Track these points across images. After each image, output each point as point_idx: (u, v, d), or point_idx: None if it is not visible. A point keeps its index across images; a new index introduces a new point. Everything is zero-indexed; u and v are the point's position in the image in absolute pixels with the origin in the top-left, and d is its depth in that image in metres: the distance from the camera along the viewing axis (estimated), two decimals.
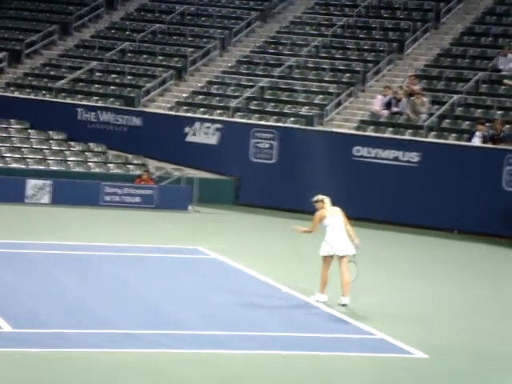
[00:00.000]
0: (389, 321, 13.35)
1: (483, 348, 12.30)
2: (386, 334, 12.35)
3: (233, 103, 26.41)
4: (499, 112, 24.29)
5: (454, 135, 23.84)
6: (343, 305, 13.61)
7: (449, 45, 27.86)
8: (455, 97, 24.82)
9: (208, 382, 10.14)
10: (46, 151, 26.21)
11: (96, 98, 27.72)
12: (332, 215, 13.85)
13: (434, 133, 24.06)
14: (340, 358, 11.38)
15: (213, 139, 25.71)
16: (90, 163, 25.97)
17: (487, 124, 23.33)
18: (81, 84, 28.54)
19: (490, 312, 14.70)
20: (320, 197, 13.95)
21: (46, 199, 23.20)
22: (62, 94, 27.98)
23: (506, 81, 25.37)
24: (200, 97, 27.50)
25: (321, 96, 26.41)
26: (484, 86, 25.54)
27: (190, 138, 25.95)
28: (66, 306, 12.91)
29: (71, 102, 27.56)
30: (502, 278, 18.05)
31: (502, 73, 25.65)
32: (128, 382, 9.49)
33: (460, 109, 24.88)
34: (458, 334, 12.97)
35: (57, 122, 27.02)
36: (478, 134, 23.12)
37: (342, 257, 13.83)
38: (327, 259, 13.87)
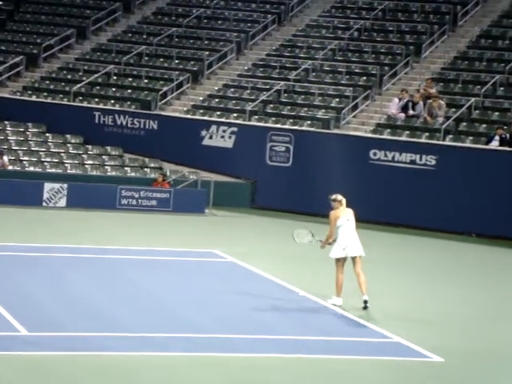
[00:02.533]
0: (405, 324, 13.30)
1: (500, 353, 12.23)
2: (402, 338, 12.32)
3: (249, 106, 26.42)
4: None
5: (470, 138, 23.75)
6: (365, 301, 13.59)
7: (466, 48, 27.78)
8: (472, 100, 24.73)
9: None
10: (63, 155, 26.31)
11: (113, 101, 27.80)
12: (346, 216, 13.85)
13: (450, 136, 23.98)
14: (356, 362, 11.35)
15: (229, 142, 25.73)
16: (106, 166, 26.05)
17: (505, 127, 23.24)
18: (98, 88, 28.63)
19: (508, 316, 14.61)
20: (339, 197, 13.96)
21: (62, 202, 23.28)
22: (79, 98, 28.09)
23: None
24: (216, 100, 27.53)
25: (337, 99, 26.38)
26: (501, 88, 25.43)
27: (206, 142, 25.98)
28: (82, 310, 12.94)
29: (88, 105, 27.65)
30: None
31: None
32: None
33: (477, 112, 24.79)
34: (475, 339, 12.91)
35: (74, 125, 27.11)
36: (496, 137, 23.04)
37: (354, 258, 13.82)
38: (340, 261, 13.86)
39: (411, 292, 15.82)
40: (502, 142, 22.96)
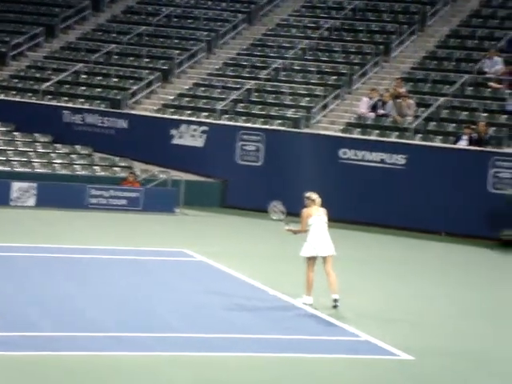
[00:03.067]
0: (374, 323, 13.36)
1: (468, 350, 12.33)
2: (371, 336, 12.37)
3: (219, 106, 26.40)
4: (484, 114, 24.39)
5: (439, 138, 23.91)
6: (335, 300, 13.63)
7: (434, 47, 27.96)
8: (441, 99, 24.90)
9: None
10: (32, 154, 26.11)
11: (82, 100, 27.65)
12: (318, 215, 13.88)
13: (419, 135, 24.13)
14: (326, 360, 11.38)
15: (199, 141, 25.69)
16: (75, 166, 25.90)
17: (473, 127, 23.42)
18: (67, 86, 28.46)
19: (475, 314, 14.74)
20: (313, 196, 13.97)
21: (31, 202, 23.11)
22: (48, 97, 27.90)
23: (491, 83, 25.48)
24: (186, 99, 27.47)
25: (307, 98, 26.44)
26: (469, 88, 25.63)
27: (176, 141, 25.93)
28: (54, 309, 12.86)
29: (57, 104, 27.47)
30: (488, 279, 18.11)
31: (488, 75, 25.75)
32: None
33: (446, 111, 24.96)
34: (443, 336, 13.00)
35: (42, 124, 26.93)
36: (464, 137, 23.21)
37: (325, 257, 13.85)
38: (311, 260, 13.89)
39: (381, 291, 15.89)
40: (471, 142, 23.14)
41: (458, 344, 12.59)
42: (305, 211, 13.93)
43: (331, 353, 11.67)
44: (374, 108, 25.15)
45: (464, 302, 15.64)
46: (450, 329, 13.48)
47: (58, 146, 26.67)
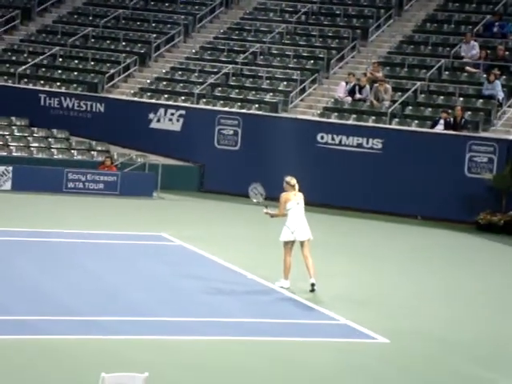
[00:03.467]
0: (352, 306, 13.46)
1: (442, 333, 12.46)
2: (349, 320, 12.47)
3: (197, 90, 26.34)
4: (461, 99, 24.51)
5: (416, 122, 24.02)
6: (312, 284, 13.71)
7: (411, 32, 28.02)
8: (418, 84, 24.99)
9: (172, 369, 10.16)
10: (8, 137, 25.96)
11: (59, 83, 27.49)
12: (296, 200, 13.94)
13: (396, 119, 24.22)
14: (304, 344, 11.47)
15: (177, 126, 25.65)
16: (52, 149, 25.78)
17: (449, 111, 23.55)
18: (43, 70, 28.28)
19: (450, 298, 14.88)
20: (293, 181, 14.00)
21: (7, 186, 23.00)
22: (24, 80, 27.72)
23: (467, 68, 25.60)
24: (164, 83, 27.39)
25: (285, 83, 26.44)
26: (446, 73, 25.73)
27: (154, 125, 25.86)
28: (27, 293, 12.84)
29: (33, 87, 27.31)
30: (463, 263, 18.27)
31: (464, 60, 25.86)
32: (91, 368, 9.49)
33: (422, 96, 25.05)
34: (421, 319, 13.13)
35: (19, 107, 26.76)
36: (441, 121, 23.33)
37: (303, 242, 13.92)
38: (288, 245, 13.95)
39: (358, 274, 16.00)
40: (447, 126, 23.27)
41: (431, 327, 12.72)
42: (283, 195, 13.99)
43: (309, 336, 11.76)
44: (351, 92, 25.21)
45: (438, 285, 15.78)
46: (425, 312, 13.61)
47: (34, 129, 26.52)
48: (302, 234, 13.89)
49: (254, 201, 14.52)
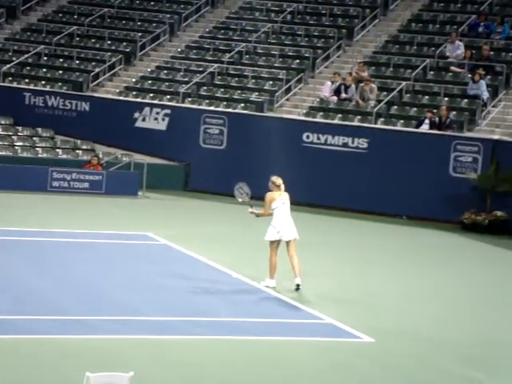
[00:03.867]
0: (338, 306, 13.47)
1: (428, 332, 12.49)
2: (334, 319, 12.47)
3: (182, 89, 26.31)
4: (446, 99, 24.59)
5: (401, 122, 24.07)
6: (297, 284, 13.71)
7: (397, 32, 28.08)
8: (403, 83, 25.04)
9: (158, 368, 10.14)
10: None
11: (43, 82, 27.39)
12: (281, 200, 13.94)
13: (382, 119, 24.27)
14: (289, 343, 11.46)
15: (162, 125, 25.60)
16: (37, 148, 25.69)
17: (434, 111, 23.61)
18: (28, 68, 28.17)
19: (435, 297, 14.92)
20: (278, 181, 13.98)
21: None
22: (9, 78, 27.60)
23: (452, 68, 25.68)
24: (149, 82, 27.33)
25: (270, 82, 26.44)
26: (431, 72, 25.80)
27: (139, 124, 25.81)
28: (14, 292, 12.78)
29: (18, 86, 27.19)
30: (448, 263, 18.32)
31: (449, 60, 25.94)
32: (76, 368, 9.45)
33: (408, 95, 25.11)
34: (406, 319, 13.15)
35: (3, 106, 26.64)
36: (426, 121, 23.39)
37: (288, 241, 13.92)
38: (274, 244, 13.95)
39: (343, 274, 16.02)
40: (432, 126, 23.33)
41: (417, 326, 12.74)
42: (268, 195, 13.98)
43: (294, 335, 11.76)
44: (336, 92, 25.23)
45: (423, 284, 15.82)
46: (410, 311, 13.63)
47: (19, 128, 26.41)
48: (287, 233, 13.89)
49: (240, 200, 14.51)
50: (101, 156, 25.39)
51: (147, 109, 25.73)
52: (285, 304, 13.25)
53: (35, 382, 9.46)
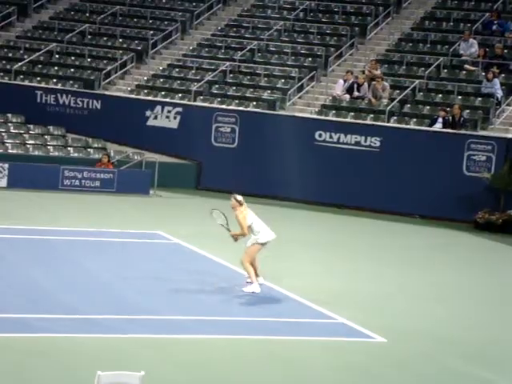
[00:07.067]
0: (349, 305, 13.39)
1: (439, 332, 12.39)
2: (346, 319, 12.38)
3: (194, 87, 26.24)
4: (459, 97, 24.43)
5: (414, 120, 23.93)
6: (260, 284, 13.62)
7: (410, 29, 27.93)
8: (416, 82, 24.90)
9: (168, 367, 10.07)
10: (4, 134, 25.84)
11: (55, 80, 27.37)
12: (251, 212, 13.89)
13: (395, 118, 24.13)
14: (302, 343, 11.38)
15: (174, 123, 25.54)
16: (49, 146, 25.67)
17: (448, 109, 23.46)
18: (39, 66, 28.16)
19: (447, 297, 14.81)
20: (240, 197, 13.90)
21: (3, 183, 22.88)
22: (20, 77, 27.59)
23: (466, 66, 25.52)
24: (161, 80, 27.28)
25: (283, 80, 26.34)
26: (445, 71, 25.65)
27: (150, 122, 25.75)
28: (26, 292, 12.75)
29: (30, 84, 27.18)
30: (461, 262, 18.20)
31: (463, 58, 25.78)
32: (88, 367, 9.39)
33: (421, 94, 24.97)
34: (416, 318, 13.05)
35: (15, 104, 26.64)
36: (439, 119, 23.25)
37: (266, 243, 13.81)
38: (260, 248, 13.79)
39: (355, 273, 15.92)
40: (445, 124, 23.19)
41: (429, 326, 12.64)
42: (240, 215, 13.79)
43: (307, 335, 11.69)
44: (349, 90, 25.11)
45: (436, 284, 15.70)
46: (422, 311, 13.53)
47: (30, 126, 26.40)
48: (271, 234, 13.78)
49: (218, 222, 14.38)
50: (112, 154, 25.34)
51: (159, 107, 25.67)
52: (297, 303, 13.17)
53: (47, 381, 9.42)
